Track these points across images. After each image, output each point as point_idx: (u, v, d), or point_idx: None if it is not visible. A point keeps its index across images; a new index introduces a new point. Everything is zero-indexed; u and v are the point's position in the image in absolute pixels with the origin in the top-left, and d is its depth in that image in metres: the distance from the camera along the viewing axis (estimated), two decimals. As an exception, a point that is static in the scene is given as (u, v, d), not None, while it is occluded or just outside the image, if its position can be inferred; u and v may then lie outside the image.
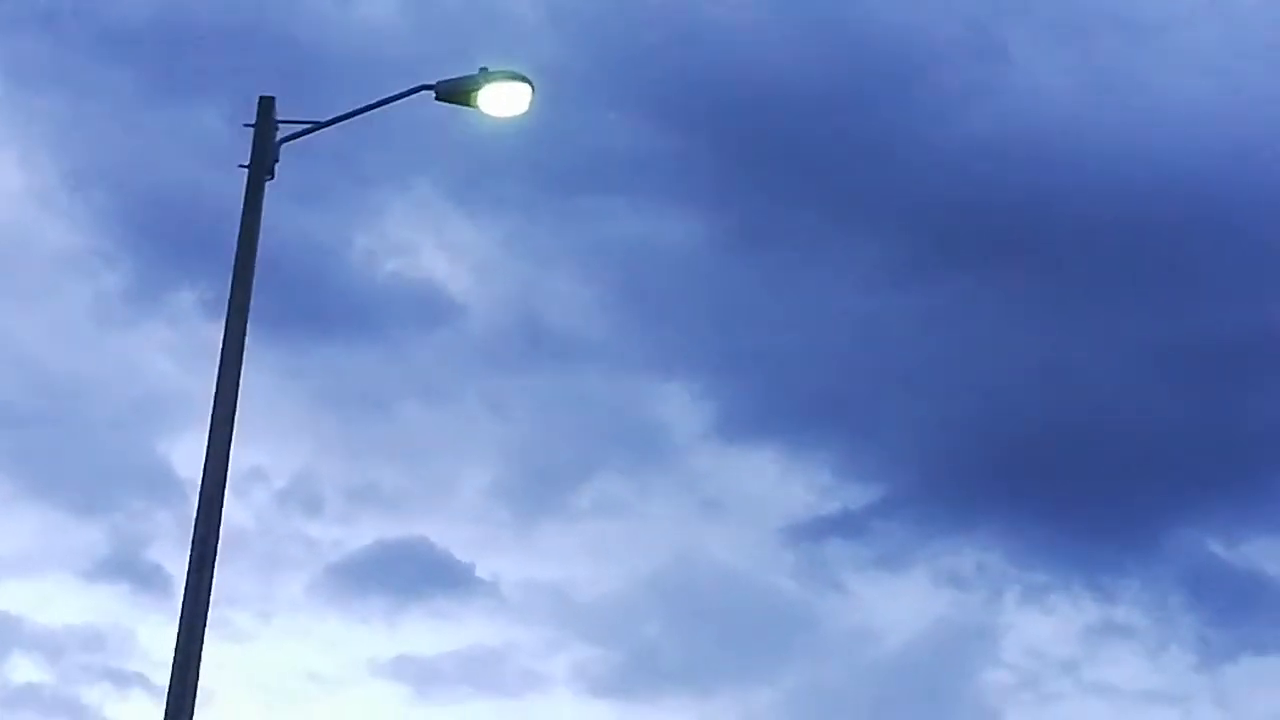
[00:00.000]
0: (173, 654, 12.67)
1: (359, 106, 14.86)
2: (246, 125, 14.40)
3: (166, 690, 12.60)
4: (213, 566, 12.88)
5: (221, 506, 13.09)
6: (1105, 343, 36.65)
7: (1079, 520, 36.29)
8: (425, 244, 35.69)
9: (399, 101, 15.02)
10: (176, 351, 32.11)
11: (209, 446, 13.24)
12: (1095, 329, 36.76)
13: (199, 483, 13.17)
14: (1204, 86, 35.46)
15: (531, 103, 15.01)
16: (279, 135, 14.39)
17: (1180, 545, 35.88)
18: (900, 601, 35.12)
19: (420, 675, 32.39)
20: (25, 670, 30.36)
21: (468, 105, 14.97)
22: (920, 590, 35.40)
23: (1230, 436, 36.06)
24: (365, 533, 34.17)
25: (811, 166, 36.46)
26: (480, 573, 33.35)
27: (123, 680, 30.15)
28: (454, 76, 14.86)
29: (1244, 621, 34.70)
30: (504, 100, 14.97)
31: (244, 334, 13.69)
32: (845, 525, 35.56)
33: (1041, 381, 36.78)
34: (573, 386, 36.58)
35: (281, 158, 14.50)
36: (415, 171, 34.05)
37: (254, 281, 13.95)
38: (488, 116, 15.15)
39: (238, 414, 13.45)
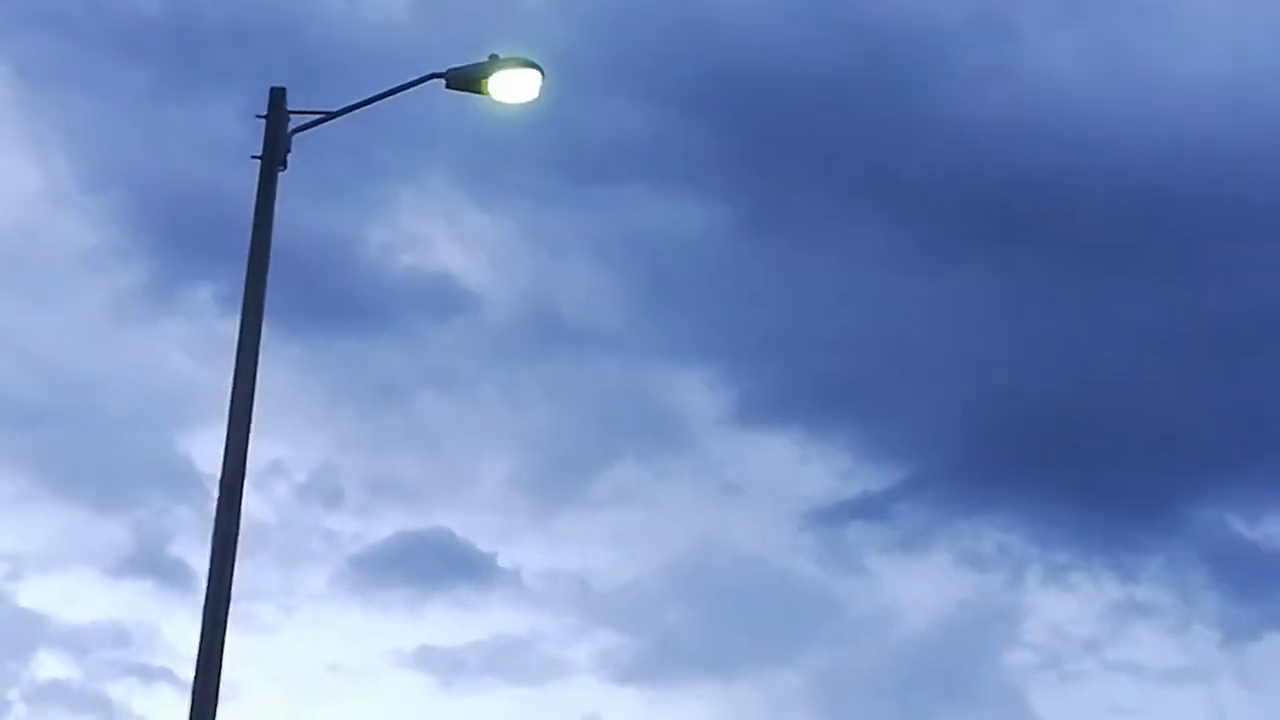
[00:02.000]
0: (196, 647, 12.73)
1: (370, 96, 14.89)
2: (259, 117, 14.43)
3: (191, 684, 12.67)
4: (234, 558, 12.93)
5: (241, 498, 13.14)
6: (1123, 321, 36.56)
7: (1100, 499, 36.24)
8: (439, 234, 35.72)
9: (410, 91, 15.04)
10: (194, 346, 32.16)
11: (228, 438, 13.29)
12: (1113, 308, 36.67)
13: (219, 475, 13.23)
14: (1216, 61, 35.31)
15: (542, 89, 15.01)
16: (290, 126, 14.43)
17: (1201, 523, 35.83)
18: (922, 584, 35.09)
19: (444, 666, 32.48)
20: (52, 667, 30.51)
21: (478, 93, 14.99)
22: (941, 572, 35.39)
23: (1251, 413, 35.96)
24: (386, 524, 34.19)
25: (824, 150, 36.40)
26: (502, 562, 33.42)
27: (149, 675, 30.27)
28: (464, 64, 14.88)
29: (1266, 598, 34.62)
30: (514, 87, 14.97)
31: (260, 325, 13.73)
32: (866, 508, 35.56)
33: (1060, 361, 36.72)
34: (590, 375, 36.62)
35: (295, 150, 14.54)
36: (428, 162, 34.06)
37: (269, 272, 13.98)
38: (499, 104, 15.16)
39: (255, 405, 13.51)
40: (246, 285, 13.88)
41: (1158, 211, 35.16)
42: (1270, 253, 35.77)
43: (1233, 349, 36.27)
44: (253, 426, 13.50)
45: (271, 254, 14.11)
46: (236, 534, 13.00)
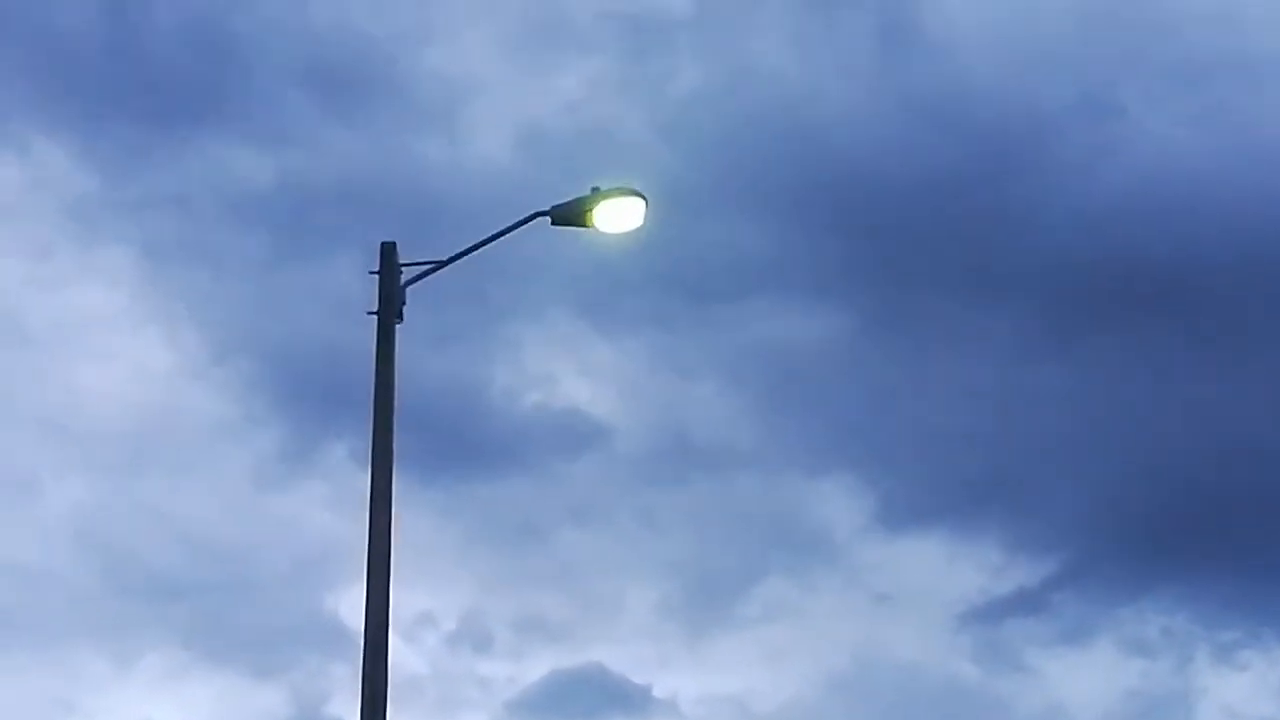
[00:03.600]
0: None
1: (478, 241, 15.11)
2: (372, 272, 14.68)
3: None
4: (384, 711, 12.95)
5: (387, 649, 13.19)
6: (1260, 389, 35.75)
7: (1261, 572, 35.23)
8: (564, 370, 35.98)
9: (517, 231, 15.25)
10: (334, 504, 32.53)
11: (368, 590, 13.37)
12: (1248, 376, 35.88)
13: (362, 628, 13.30)
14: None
15: (646, 216, 15.15)
16: (403, 278, 14.66)
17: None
18: (1088, 676, 34.26)
19: (610, 802, 32.22)
20: (221, 838, 30.69)
21: (584, 226, 15.15)
22: (1107, 662, 34.56)
23: None
24: (538, 665, 34.21)
25: (941, 247, 36.21)
26: (658, 692, 33.15)
27: (318, 838, 30.36)
28: (566, 200, 15.07)
29: None
30: (619, 216, 15.13)
31: (391, 477, 13.85)
32: (1022, 603, 34.87)
33: (1202, 434, 35.94)
34: (728, 495, 36.44)
35: (410, 301, 14.76)
36: (544, 299, 34.39)
37: (395, 424, 14.13)
38: (605, 234, 15.30)
39: (394, 556, 13.59)
40: (374, 438, 14.03)
41: (1282, 276, 34.51)
42: None
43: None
44: (393, 577, 13.58)
45: (397, 405, 14.27)
46: (385, 686, 13.03)
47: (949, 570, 35.55)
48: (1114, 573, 35.73)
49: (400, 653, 13.32)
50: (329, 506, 32.74)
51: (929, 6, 35.75)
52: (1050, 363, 36.58)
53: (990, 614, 34.89)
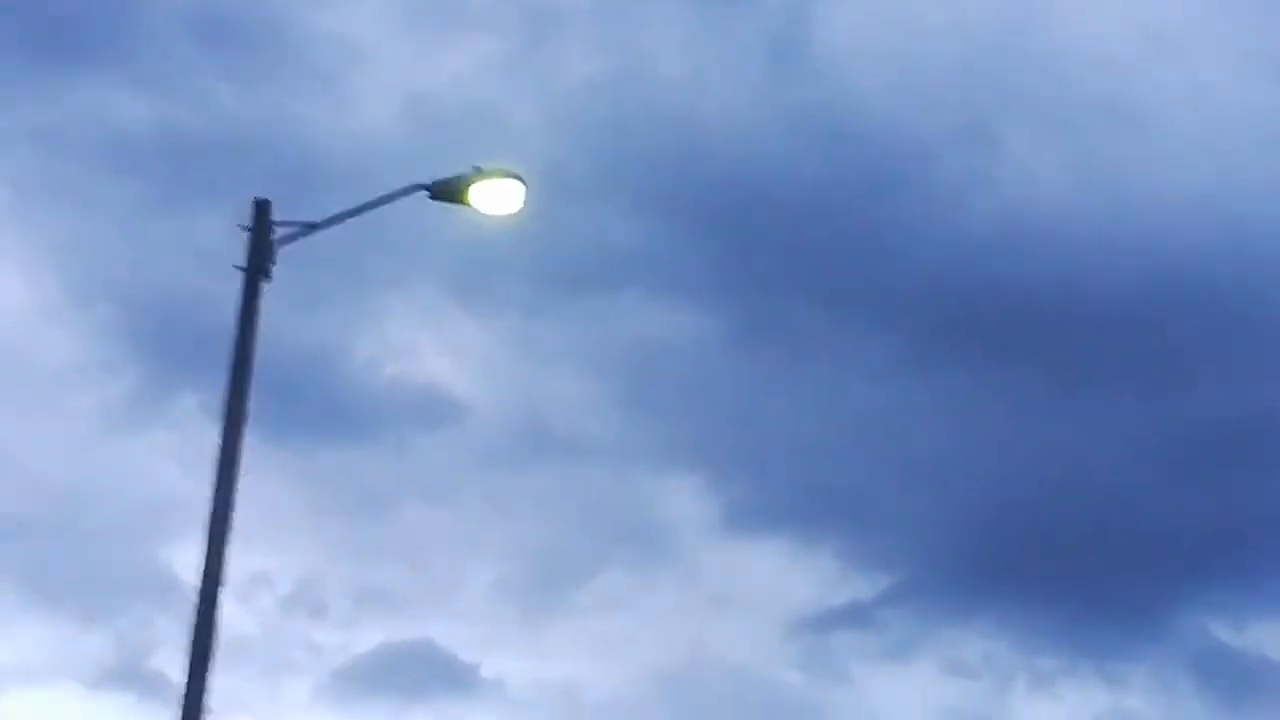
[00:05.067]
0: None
1: (354, 207, 15.03)
2: (243, 228, 14.54)
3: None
4: (210, 667, 12.86)
5: (218, 608, 13.09)
6: (1107, 429, 36.64)
7: (1086, 606, 36.11)
8: (427, 345, 35.85)
9: (395, 202, 15.18)
10: (181, 456, 32.10)
11: (206, 548, 13.27)
12: (1098, 416, 36.78)
13: (197, 585, 13.19)
14: (1194, 174, 35.75)
15: (525, 200, 15.16)
16: (275, 236, 14.54)
17: (1187, 630, 35.70)
18: (908, 692, 34.86)
19: (428, 778, 32.16)
20: (31, 781, 30.12)
21: (462, 204, 15.13)
22: (928, 680, 35.19)
23: (1234, 521, 35.95)
24: (370, 635, 34.04)
25: (813, 260, 36.70)
26: (485, 672, 33.17)
27: (129, 789, 29.94)
28: (447, 176, 15.04)
29: (1251, 706, 34.42)
30: (498, 198, 15.13)
31: (241, 435, 13.75)
32: (853, 616, 35.44)
33: (1045, 469, 36.76)
34: (578, 483, 36.59)
35: (280, 262, 14.63)
36: (415, 273, 34.29)
37: (251, 382, 14.02)
38: (483, 215, 15.30)
39: (235, 516, 13.49)
40: (228, 395, 13.91)
41: (1141, 322, 35.43)
42: (1251, 361, 35.99)
43: (1217, 456, 36.37)
44: (233, 537, 13.46)
45: (255, 364, 14.15)
46: (213, 645, 12.94)
47: (786, 578, 36.02)
48: (943, 594, 36.43)
49: (232, 612, 13.20)
50: (175, 458, 32.34)
51: (820, 24, 36.22)
52: (909, 384, 37.21)
53: (821, 624, 35.43)
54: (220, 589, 13.11)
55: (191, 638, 12.96)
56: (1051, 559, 35.87)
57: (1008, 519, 36.08)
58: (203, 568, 13.18)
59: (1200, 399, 36.17)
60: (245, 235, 14.52)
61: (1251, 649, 34.94)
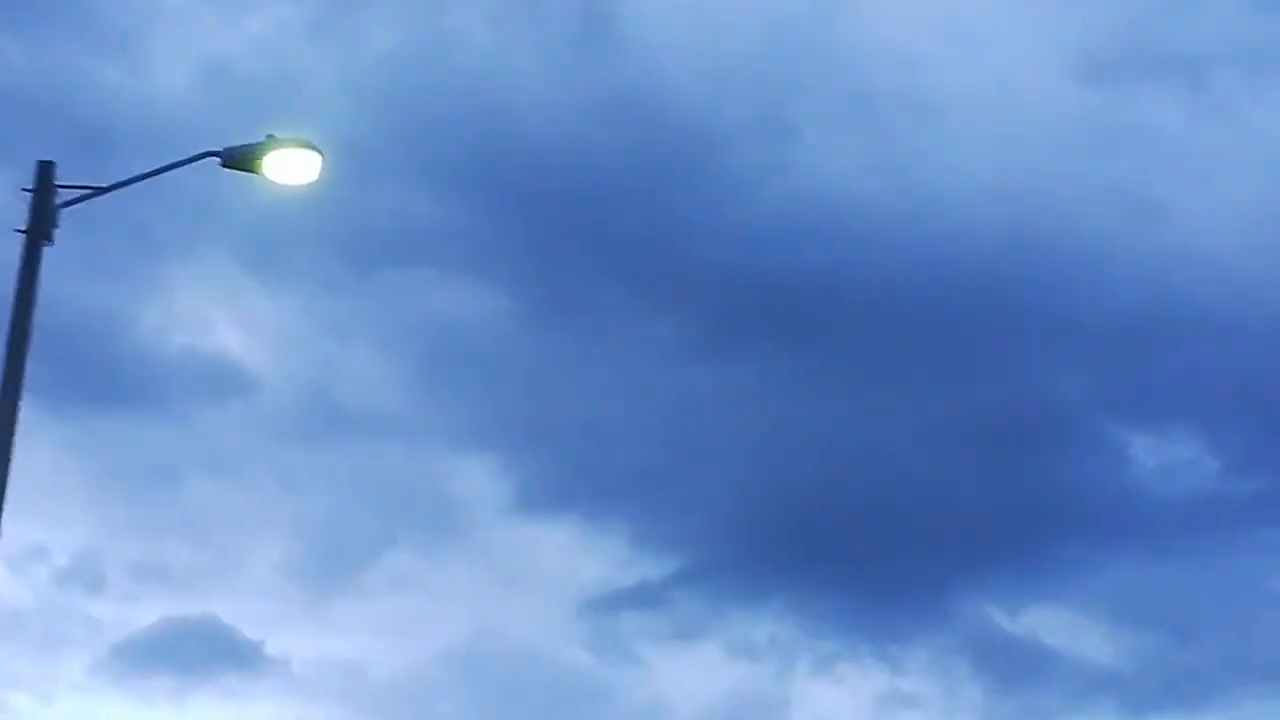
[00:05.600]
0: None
1: (143, 173, 14.66)
2: (24, 190, 14.09)
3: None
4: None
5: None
6: (891, 416, 37.50)
7: (868, 591, 36.96)
8: (217, 316, 35.21)
9: (188, 168, 14.84)
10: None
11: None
12: (882, 403, 37.62)
13: (-32, 556, 12.81)
14: (986, 167, 36.70)
15: (321, 171, 14.92)
16: (59, 200, 14.11)
17: (965, 615, 36.77)
18: (694, 673, 35.37)
19: (209, 757, 31.64)
20: None
21: (255, 173, 14.83)
22: (714, 661, 35.72)
23: (1012, 508, 37.12)
24: (150, 611, 33.41)
25: (612, 242, 36.85)
26: (270, 650, 32.78)
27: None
28: (241, 144, 14.75)
29: (1026, 690, 35.60)
30: (293, 168, 14.85)
31: (18, 403, 13.34)
32: (641, 597, 35.77)
33: (832, 454, 37.49)
34: (369, 461, 36.30)
35: (65, 226, 14.21)
36: (207, 242, 33.64)
37: (29, 349, 13.60)
38: (277, 185, 15.03)
39: (10, 486, 13.09)
40: (6, 362, 13.47)
41: (929, 312, 36.28)
42: (1033, 352, 37.13)
43: (998, 444, 37.48)
44: (7, 507, 13.09)
45: (34, 331, 13.74)
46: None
47: (577, 559, 36.24)
48: (731, 577, 36.99)
49: (5, 584, 12.84)
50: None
51: (628, 6, 36.33)
52: (701, 369, 37.62)
53: (610, 605, 35.72)
54: (-8, 561, 12.75)
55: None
56: (837, 543, 36.66)
57: (796, 503, 36.75)
58: (-27, 537, 12.79)
59: (983, 388, 37.26)
60: (27, 197, 14.10)
61: (1026, 634, 36.16)
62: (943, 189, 36.33)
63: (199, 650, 32.13)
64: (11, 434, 13.19)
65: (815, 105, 37.16)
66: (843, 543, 36.52)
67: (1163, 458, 37.34)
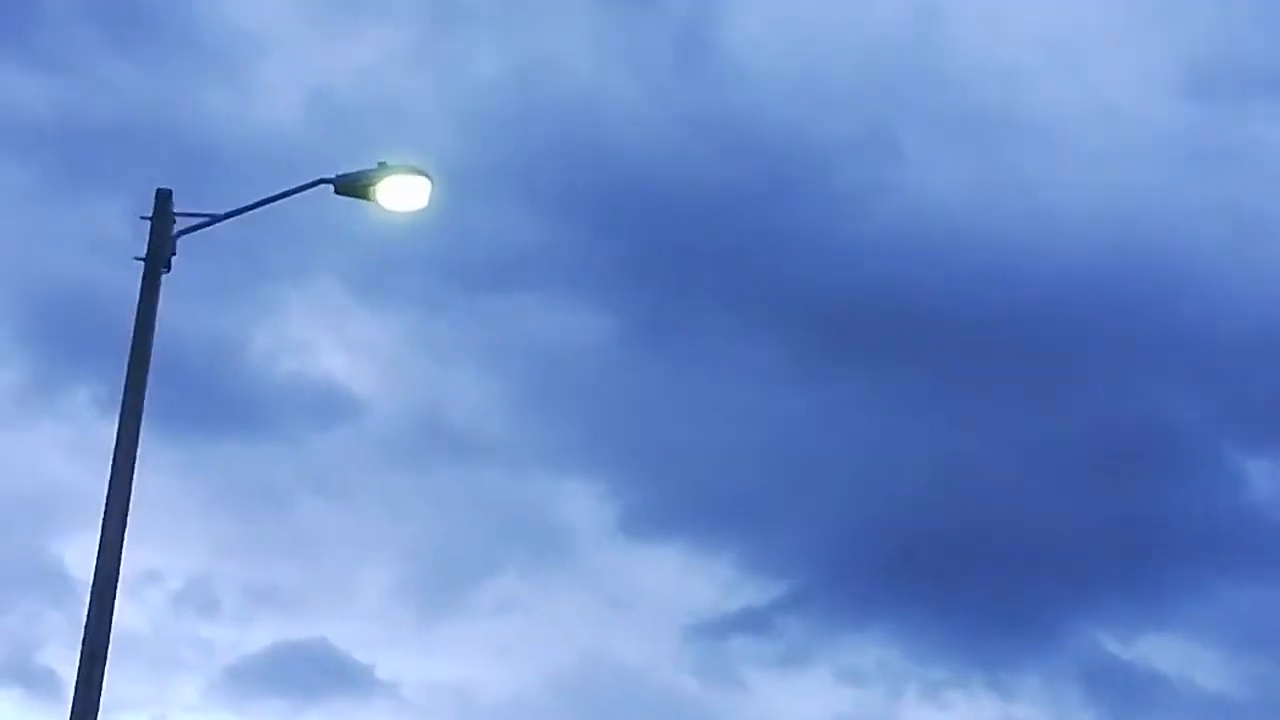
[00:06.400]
0: (63, 757, 12.38)
1: (256, 200, 14.82)
2: (144, 218, 14.29)
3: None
4: (103, 665, 12.62)
5: (113, 605, 12.84)
6: (1001, 439, 37.09)
7: (977, 617, 36.50)
8: (325, 340, 35.55)
9: (298, 196, 14.99)
10: (71, 449, 31.61)
11: (101, 543, 13.01)
12: (991, 426, 37.22)
13: (91, 581, 12.94)
14: (1092, 184, 36.28)
15: (431, 197, 15.03)
16: (176, 228, 14.30)
17: (1077, 641, 36.21)
18: (801, 699, 35.07)
19: (320, 779, 31.87)
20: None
21: (366, 199, 14.96)
22: (821, 687, 35.41)
23: (1125, 532, 36.52)
24: (263, 634, 33.69)
25: (712, 264, 36.81)
26: (381, 674, 32.94)
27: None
28: (353, 171, 14.87)
29: (1139, 718, 34.97)
30: (403, 194, 14.97)
31: (138, 429, 13.50)
32: (748, 622, 35.56)
33: (940, 477, 37.11)
34: (475, 484, 36.43)
35: (180, 253, 14.40)
36: (316, 267, 33.96)
37: (149, 376, 13.77)
38: (387, 211, 15.15)
39: (131, 511, 13.24)
40: (126, 389, 13.64)
41: (1035, 331, 35.87)
42: (1144, 373, 36.59)
43: (1109, 467, 36.92)
44: (128, 533, 13.23)
45: (153, 357, 13.91)
46: (107, 642, 12.69)
47: (682, 583, 36.09)
48: (838, 602, 36.66)
49: (121, 608, 12.96)
50: (64, 450, 31.81)
51: (727, 26, 36.32)
52: (804, 390, 37.43)
53: (717, 629, 35.52)
54: (116, 585, 12.85)
55: (85, 635, 12.71)
56: (945, 567, 36.26)
57: (903, 526, 36.42)
58: (97, 563, 12.93)
59: (1093, 409, 36.75)
60: (145, 225, 14.28)
61: (1140, 661, 35.54)
62: (1048, 206, 35.99)
63: (311, 673, 32.40)
64: (133, 460, 13.35)
65: (918, 123, 36.97)
66: (951, 567, 36.17)
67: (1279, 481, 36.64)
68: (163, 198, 14.37)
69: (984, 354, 36.42)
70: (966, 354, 36.60)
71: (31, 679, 30.30)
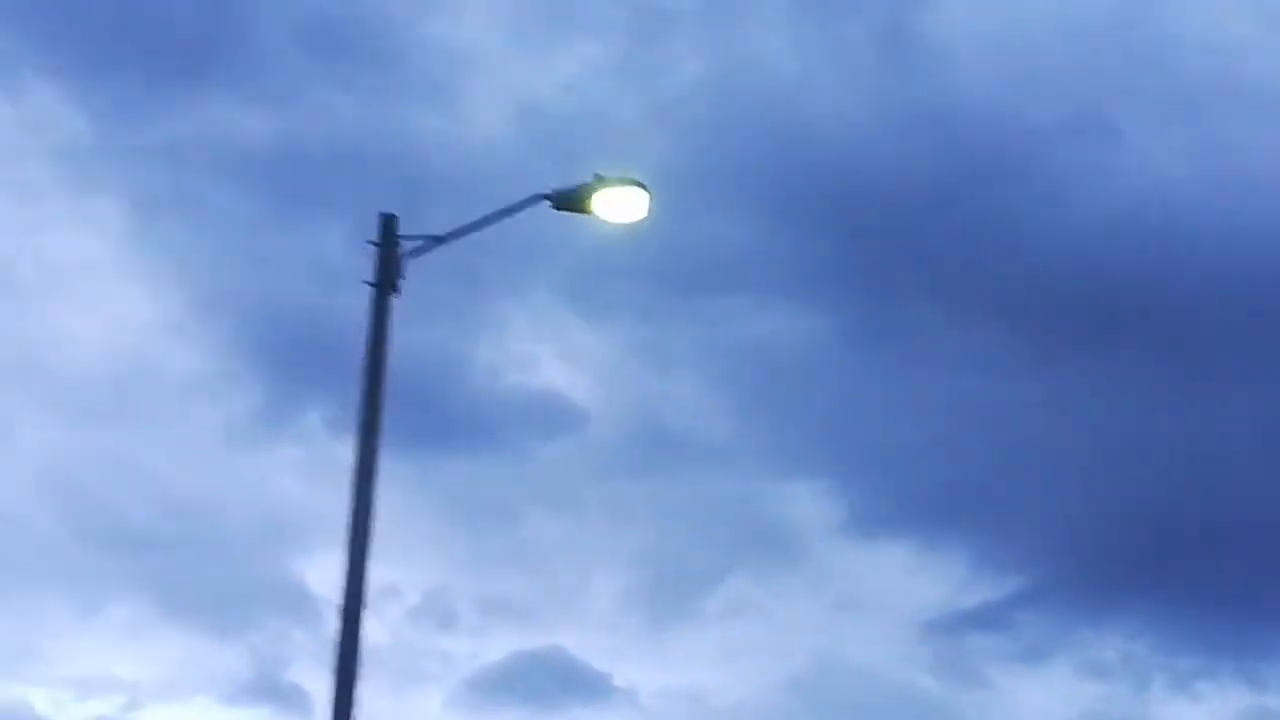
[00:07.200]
0: (319, 772, 12.73)
1: (478, 219, 15.05)
2: (370, 243, 14.60)
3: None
4: (356, 683, 12.93)
5: (361, 622, 13.16)
6: (1240, 422, 35.91)
7: (1224, 604, 35.42)
8: (546, 353, 35.93)
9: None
10: (305, 470, 32.47)
11: (347, 563, 13.33)
12: (1227, 409, 36.05)
13: (338, 600, 13.27)
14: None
15: (650, 208, 15.10)
16: (402, 250, 14.59)
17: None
18: (1044, 694, 34.41)
19: (563, 785, 32.24)
20: (171, 798, 30.57)
21: (584, 212, 15.08)
22: (1064, 682, 34.72)
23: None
24: (500, 644, 34.13)
25: (927, 256, 36.28)
26: (618, 681, 33.16)
27: (269, 805, 30.30)
28: (569, 185, 15.00)
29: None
30: (620, 206, 15.07)
31: (376, 450, 13.81)
32: (985, 618, 35.01)
33: (1176, 463, 36.10)
34: (699, 489, 36.48)
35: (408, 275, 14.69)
36: (534, 282, 34.36)
37: (385, 396, 14.08)
38: (603, 222, 15.25)
39: (373, 530, 13.55)
40: (362, 410, 13.96)
41: (1265, 311, 34.68)
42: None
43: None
44: (370, 551, 13.54)
45: (386, 378, 14.21)
46: (358, 659, 13.01)
47: (914, 580, 35.66)
48: (1077, 594, 35.89)
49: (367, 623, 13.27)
50: (299, 471, 32.69)
51: (928, 15, 35.81)
52: (1028, 379, 36.70)
53: (952, 627, 35.05)
54: (363, 603, 13.17)
55: (337, 651, 13.04)
56: (1186, 556, 35.27)
57: (1139, 515, 35.50)
58: (344, 582, 13.25)
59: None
60: (373, 249, 14.58)
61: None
62: (1272, 181, 34.76)
63: (549, 682, 32.76)
64: (373, 480, 13.66)
65: (1134, 102, 36.01)
66: (1192, 555, 35.17)
67: None
68: (388, 221, 14.67)
69: (1212, 335, 35.35)
70: (1193, 336, 35.57)
71: (281, 696, 31.19)
